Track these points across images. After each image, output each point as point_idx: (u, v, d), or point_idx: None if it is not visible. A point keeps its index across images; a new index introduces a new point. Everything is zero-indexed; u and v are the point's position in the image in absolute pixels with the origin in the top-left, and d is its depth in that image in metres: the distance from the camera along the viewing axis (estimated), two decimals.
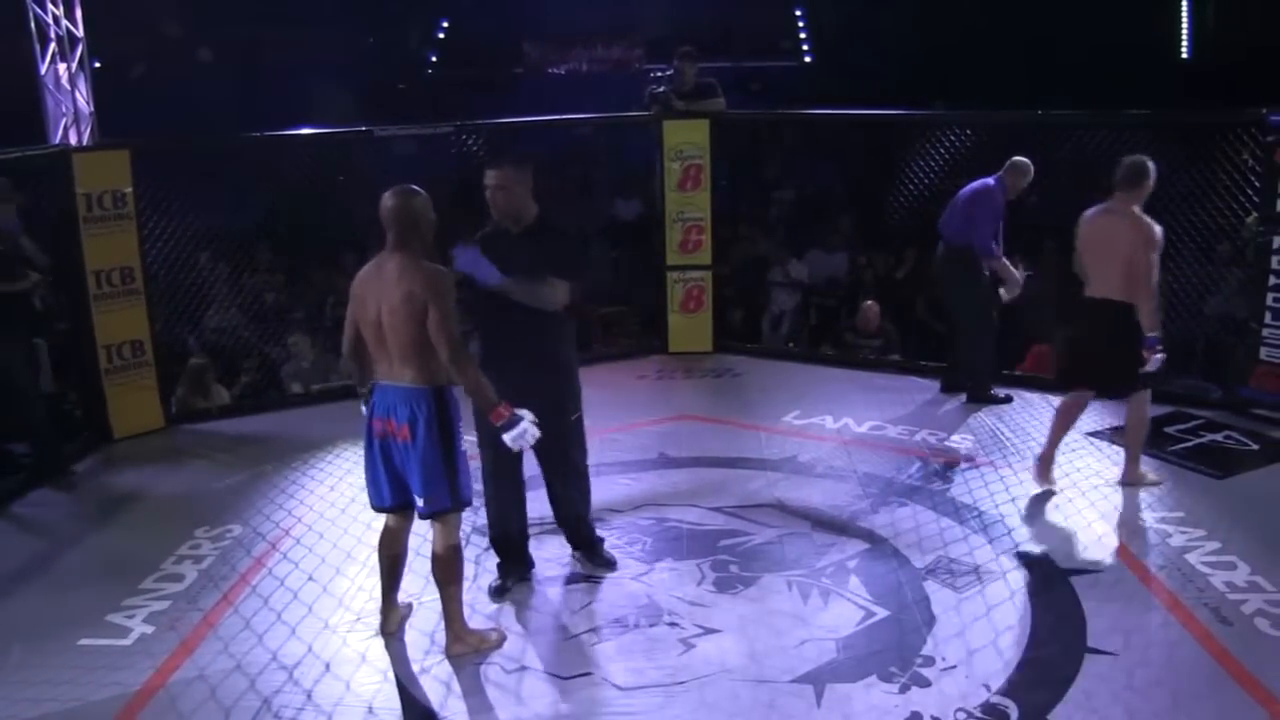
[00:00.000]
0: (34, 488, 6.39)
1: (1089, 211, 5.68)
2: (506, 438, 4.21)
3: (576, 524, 5.08)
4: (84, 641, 4.64)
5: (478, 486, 4.80)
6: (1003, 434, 6.76)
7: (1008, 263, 7.07)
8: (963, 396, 7.40)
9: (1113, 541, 5.29)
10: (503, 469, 4.82)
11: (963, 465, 6.29)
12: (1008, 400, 7.29)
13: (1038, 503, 5.74)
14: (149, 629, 4.74)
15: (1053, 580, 4.92)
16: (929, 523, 5.53)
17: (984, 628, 4.53)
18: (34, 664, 4.49)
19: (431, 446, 4.18)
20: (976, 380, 7.34)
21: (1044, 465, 5.89)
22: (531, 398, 4.46)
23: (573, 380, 4.84)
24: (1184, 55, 17.02)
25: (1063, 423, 5.88)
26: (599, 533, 5.21)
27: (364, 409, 4.39)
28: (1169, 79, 15.16)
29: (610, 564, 5.09)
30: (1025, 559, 5.12)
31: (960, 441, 6.67)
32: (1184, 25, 17.01)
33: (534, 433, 4.24)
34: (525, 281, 4.52)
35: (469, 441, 4.42)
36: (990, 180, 7.10)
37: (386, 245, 4.21)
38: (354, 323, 4.32)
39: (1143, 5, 15.68)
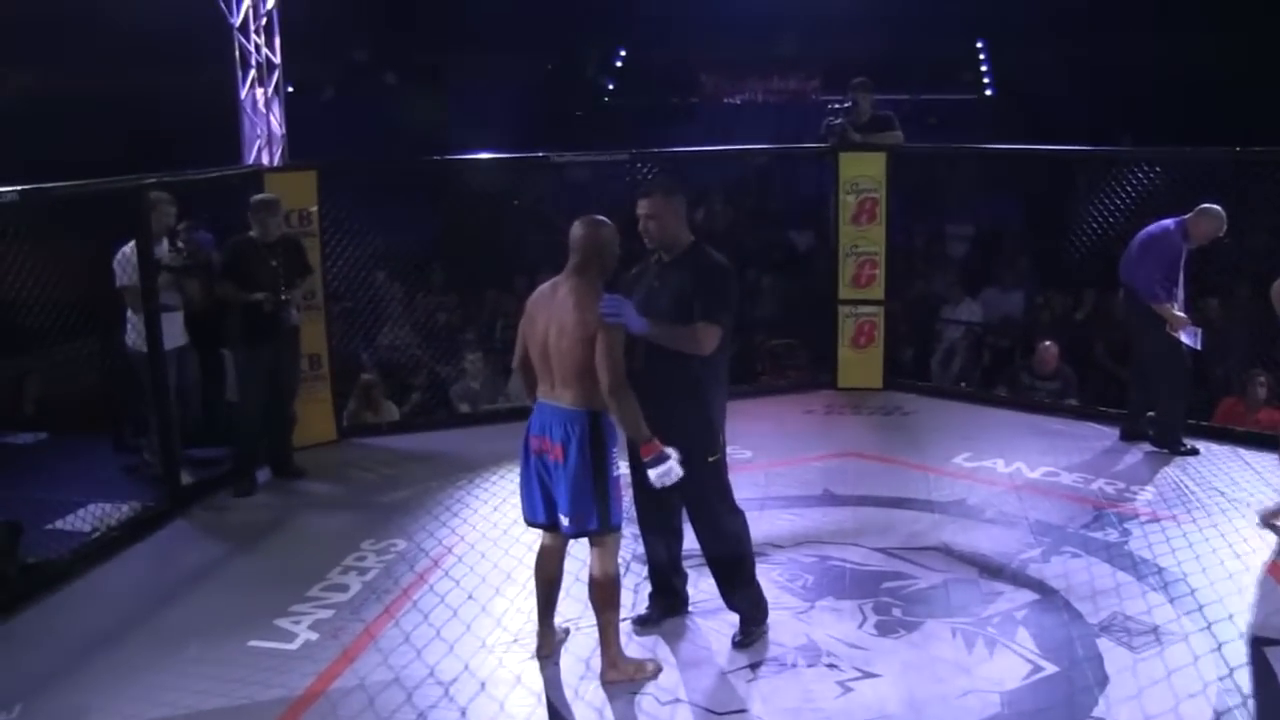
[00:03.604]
0: (217, 491, 6.72)
1: None
2: (652, 474, 4.22)
3: (716, 570, 4.83)
4: (253, 643, 4.83)
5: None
6: (1187, 487, 6.46)
7: (1170, 307, 6.76)
8: (1144, 446, 7.10)
9: None
10: (650, 502, 4.76)
11: (1142, 518, 6.02)
12: (1194, 452, 6.97)
13: (1225, 562, 5.44)
14: (313, 636, 4.90)
15: (1243, 649, 4.62)
16: (1104, 576, 5.30)
17: (1163, 693, 4.30)
18: (209, 660, 4.70)
19: (583, 468, 4.22)
20: (1165, 429, 7.04)
21: None
22: (662, 436, 4.42)
23: (712, 421, 4.58)
24: None
25: None
26: (747, 587, 4.84)
27: None
28: None
29: (735, 640, 4.74)
30: (1211, 622, 4.83)
31: (1141, 492, 6.39)
32: None
33: (677, 472, 4.23)
34: (668, 327, 4.42)
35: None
36: (1170, 223, 6.85)
37: (567, 268, 4.29)
38: (524, 340, 4.41)
39: None
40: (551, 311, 4.25)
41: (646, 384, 4.52)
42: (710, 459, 4.58)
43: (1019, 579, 5.30)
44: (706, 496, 4.67)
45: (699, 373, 4.48)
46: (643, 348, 4.44)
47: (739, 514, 4.77)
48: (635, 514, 4.86)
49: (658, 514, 4.82)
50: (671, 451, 4.23)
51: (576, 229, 4.30)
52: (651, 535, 4.89)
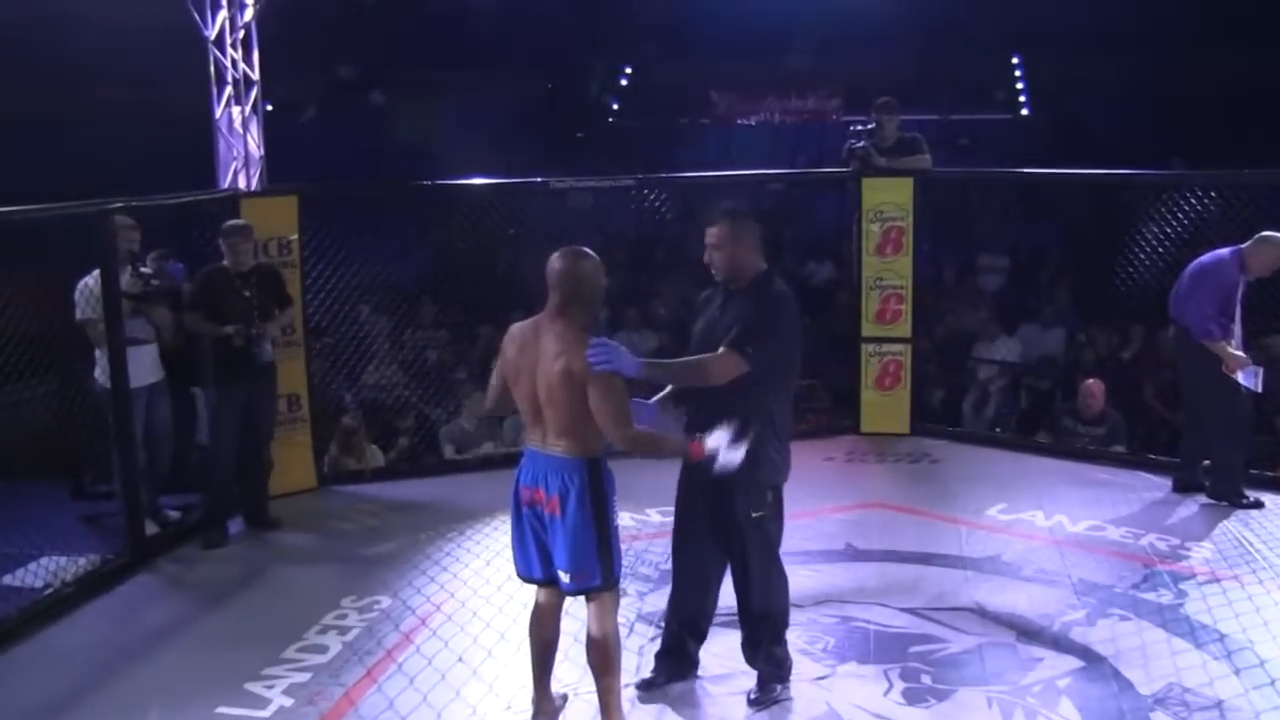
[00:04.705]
0: (185, 542, 6.69)
1: None
2: (722, 458, 4.21)
3: (747, 627, 4.83)
4: (221, 710, 4.78)
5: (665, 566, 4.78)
6: (1250, 544, 6.39)
7: (1226, 345, 6.74)
8: (1200, 497, 7.06)
9: None
10: (692, 553, 4.75)
11: (1200, 577, 5.96)
12: (1257, 505, 6.92)
13: None
14: (288, 701, 4.85)
15: None
16: (1157, 642, 5.24)
17: None
18: None
19: (583, 521, 4.20)
20: (1223, 479, 7.00)
21: None
22: (704, 486, 4.41)
23: (758, 477, 4.55)
24: None
25: None
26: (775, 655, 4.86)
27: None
28: None
29: (750, 697, 4.75)
30: None
31: (1198, 549, 6.33)
32: None
33: (730, 446, 4.20)
34: (668, 364, 4.44)
35: (645, 519, 4.41)
36: (1225, 253, 6.85)
37: (547, 308, 4.25)
38: (502, 381, 4.38)
39: None
40: (537, 363, 4.19)
41: (695, 433, 4.52)
42: (754, 514, 4.58)
43: (1061, 644, 5.24)
44: (748, 553, 4.67)
45: (752, 423, 4.42)
46: (695, 392, 4.47)
47: (782, 572, 4.77)
48: (671, 564, 4.85)
49: (696, 566, 4.80)
50: (712, 437, 4.21)
51: (555, 263, 4.23)
52: (683, 590, 4.85)
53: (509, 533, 4.46)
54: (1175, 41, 15.00)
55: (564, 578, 4.28)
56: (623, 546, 4.35)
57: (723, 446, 4.20)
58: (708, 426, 4.39)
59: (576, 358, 4.08)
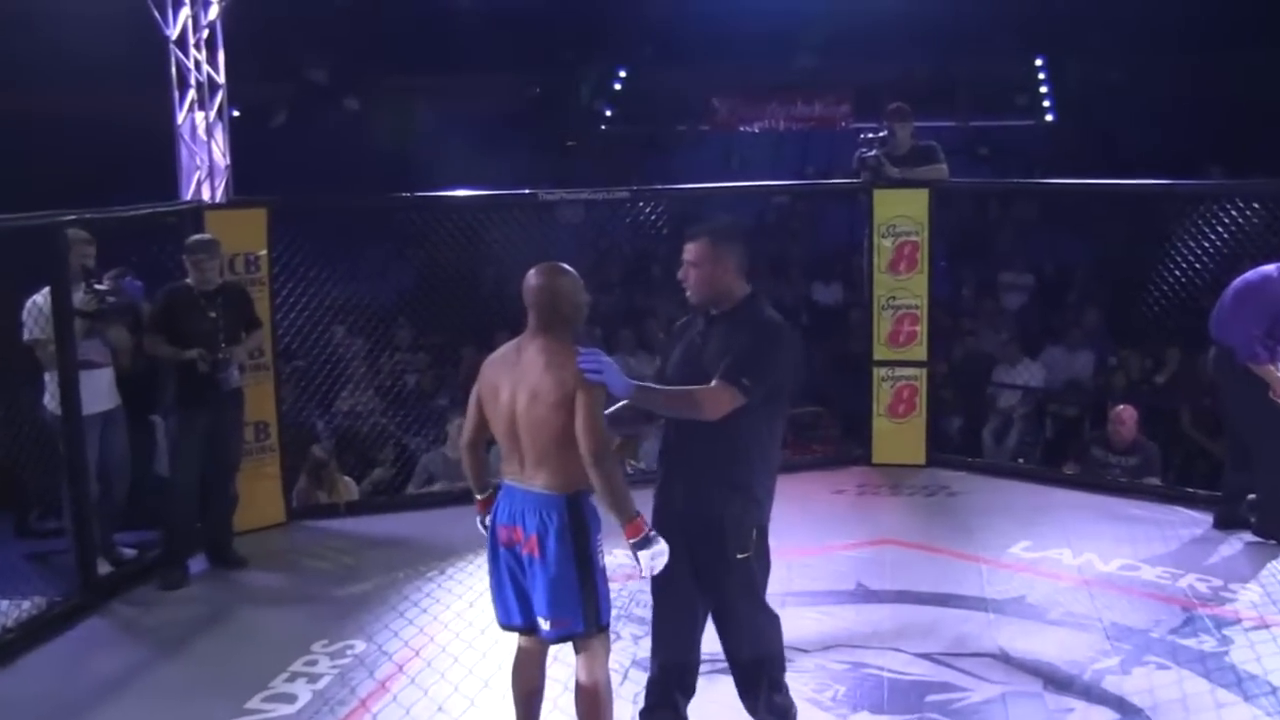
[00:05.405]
0: (141, 583, 6.66)
1: None
2: (642, 557, 4.17)
3: (738, 674, 4.76)
4: None
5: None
6: None
7: (1273, 369, 6.74)
8: (1244, 535, 7.05)
9: None
10: (672, 597, 4.71)
11: (1246, 623, 5.94)
12: None
13: None
14: None
15: None
16: (1200, 694, 5.21)
17: None
18: None
19: (564, 562, 4.17)
20: (1270, 516, 6.98)
21: None
22: (685, 522, 4.39)
23: (744, 514, 4.51)
24: None
25: None
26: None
27: (481, 526, 4.44)
28: None
29: None
30: None
31: (1243, 592, 6.31)
32: None
33: (664, 562, 4.20)
34: (660, 390, 4.44)
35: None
36: (1271, 269, 6.85)
37: (527, 328, 4.27)
38: (478, 411, 4.38)
39: None
40: (520, 379, 4.20)
41: (675, 463, 4.52)
42: (740, 555, 4.51)
43: (1093, 694, 5.22)
44: (731, 597, 4.60)
45: (741, 455, 4.43)
46: (673, 421, 4.45)
47: (770, 614, 4.71)
48: (652, 608, 4.77)
49: (680, 612, 4.74)
50: (653, 553, 4.20)
51: (532, 280, 4.26)
52: (666, 638, 4.80)
53: None
54: (1213, 42, 15.03)
55: (544, 625, 4.25)
56: (614, 586, 4.31)
57: (664, 547, 4.18)
58: (686, 454, 4.42)
59: (564, 366, 4.11)
